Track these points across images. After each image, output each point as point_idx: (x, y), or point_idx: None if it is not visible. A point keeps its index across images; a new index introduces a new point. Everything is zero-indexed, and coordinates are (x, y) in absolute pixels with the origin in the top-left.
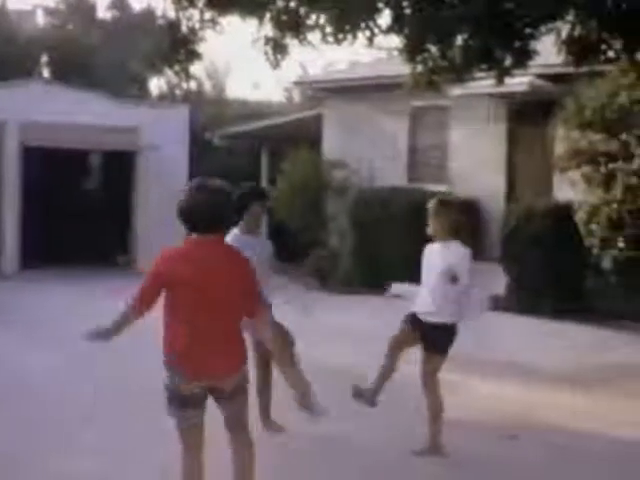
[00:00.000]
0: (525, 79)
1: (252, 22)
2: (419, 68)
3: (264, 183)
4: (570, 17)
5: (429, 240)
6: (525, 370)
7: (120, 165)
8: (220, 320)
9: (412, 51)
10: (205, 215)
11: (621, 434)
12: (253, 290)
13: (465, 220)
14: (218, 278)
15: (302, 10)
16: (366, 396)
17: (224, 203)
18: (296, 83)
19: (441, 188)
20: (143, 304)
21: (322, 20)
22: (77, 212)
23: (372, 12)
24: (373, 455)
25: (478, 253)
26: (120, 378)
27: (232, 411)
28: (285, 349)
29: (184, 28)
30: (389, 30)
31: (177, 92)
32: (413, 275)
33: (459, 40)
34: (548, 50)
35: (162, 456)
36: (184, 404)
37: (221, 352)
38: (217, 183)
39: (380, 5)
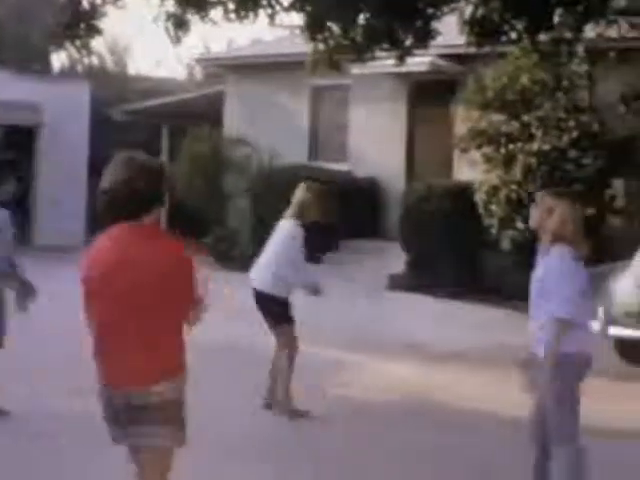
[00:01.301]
0: (427, 59)
1: None
2: (321, 47)
3: (164, 160)
4: None
5: (327, 219)
6: (420, 350)
7: (19, 141)
8: (133, 326)
9: (314, 30)
10: (138, 196)
11: (510, 414)
12: (187, 289)
13: (324, 204)
14: (129, 280)
15: None
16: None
17: (160, 181)
18: (198, 60)
19: (342, 167)
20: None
21: None
22: None
23: None
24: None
25: (378, 232)
26: None
27: (132, 441)
28: None
29: (85, 3)
30: (291, 8)
31: (79, 68)
32: (312, 253)
33: (361, 19)
34: (450, 30)
35: None
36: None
37: (124, 362)
38: (146, 157)
39: None
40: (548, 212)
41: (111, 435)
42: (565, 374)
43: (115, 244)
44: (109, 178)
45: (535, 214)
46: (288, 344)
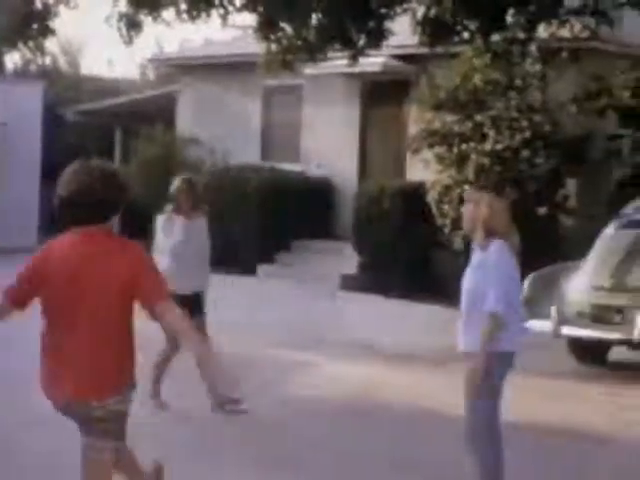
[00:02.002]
0: (379, 59)
1: None
2: (273, 47)
3: (117, 161)
4: None
5: (282, 217)
6: (372, 350)
7: None
8: (88, 332)
9: (266, 30)
10: (87, 203)
11: (456, 414)
12: (147, 285)
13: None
14: (87, 282)
15: None
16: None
17: (119, 187)
18: (150, 60)
19: (294, 167)
20: (8, 299)
21: None
22: None
23: None
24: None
25: (331, 232)
26: None
27: (83, 452)
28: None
29: (38, 3)
30: (243, 8)
31: (32, 67)
32: (265, 253)
33: (314, 19)
34: (403, 30)
35: None
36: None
37: (70, 373)
38: (106, 164)
39: None
40: (475, 207)
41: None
42: (493, 371)
43: (74, 247)
44: (71, 186)
45: (465, 212)
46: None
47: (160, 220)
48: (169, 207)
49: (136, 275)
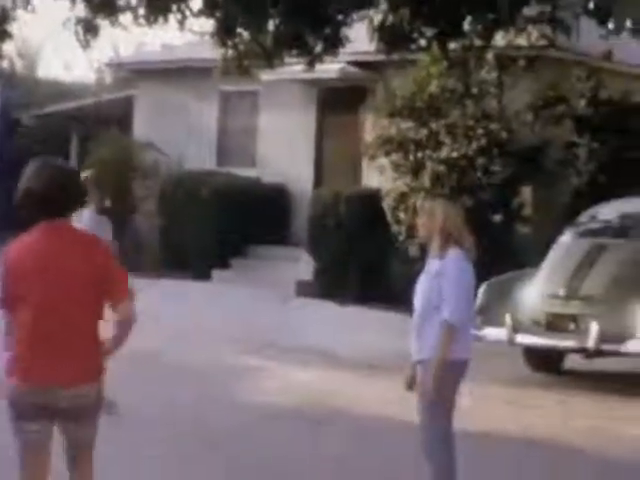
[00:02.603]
0: (337, 66)
1: (64, 3)
2: (230, 52)
3: (73, 165)
4: (383, 5)
5: (238, 223)
6: (326, 357)
7: None
8: (64, 320)
9: (223, 35)
10: (58, 198)
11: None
12: (115, 279)
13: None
14: (66, 271)
15: None
16: None
17: (77, 183)
18: (107, 64)
19: (250, 173)
20: (9, 313)
21: (134, 1)
22: None
23: None
24: None
25: (287, 239)
26: None
27: (70, 440)
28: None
29: None
30: (200, 13)
31: None
32: (220, 259)
33: (270, 25)
34: (361, 37)
35: None
36: (20, 416)
37: (56, 359)
38: (64, 163)
39: None
40: (429, 216)
41: (29, 430)
42: (448, 380)
43: (47, 239)
44: (43, 179)
45: (420, 223)
46: None
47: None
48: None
49: (107, 269)
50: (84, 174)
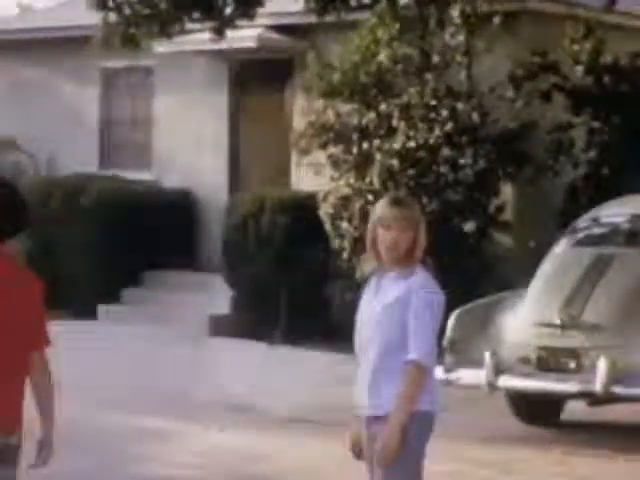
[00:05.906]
0: (254, 32)
1: None
2: (113, 17)
3: None
4: None
5: (130, 242)
6: (251, 414)
7: None
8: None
9: None
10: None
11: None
12: (42, 315)
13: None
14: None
15: None
16: None
17: (22, 202)
18: None
19: (144, 176)
20: None
21: None
22: None
23: None
24: None
25: (195, 261)
26: None
27: None
28: None
29: None
30: None
31: None
32: (107, 290)
33: None
34: None
35: None
36: None
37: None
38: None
39: None
40: (408, 227)
41: None
42: (412, 435)
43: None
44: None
45: (389, 236)
46: None
47: None
48: None
49: (39, 315)
50: None
